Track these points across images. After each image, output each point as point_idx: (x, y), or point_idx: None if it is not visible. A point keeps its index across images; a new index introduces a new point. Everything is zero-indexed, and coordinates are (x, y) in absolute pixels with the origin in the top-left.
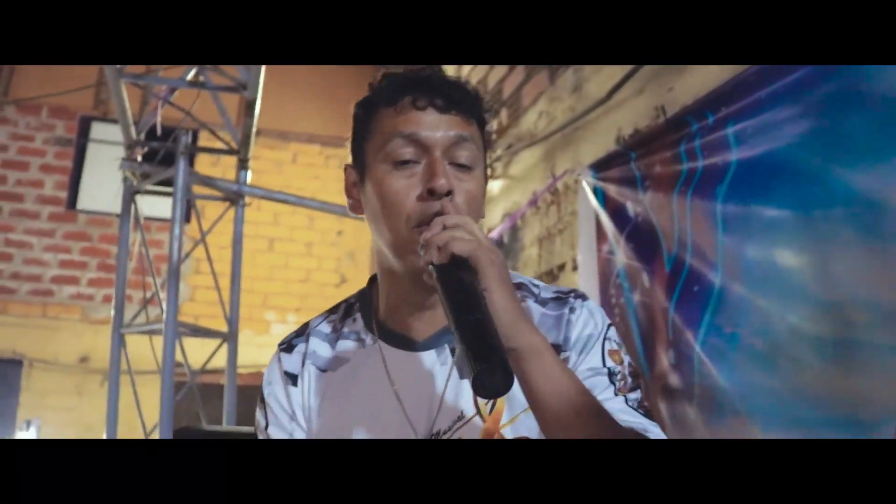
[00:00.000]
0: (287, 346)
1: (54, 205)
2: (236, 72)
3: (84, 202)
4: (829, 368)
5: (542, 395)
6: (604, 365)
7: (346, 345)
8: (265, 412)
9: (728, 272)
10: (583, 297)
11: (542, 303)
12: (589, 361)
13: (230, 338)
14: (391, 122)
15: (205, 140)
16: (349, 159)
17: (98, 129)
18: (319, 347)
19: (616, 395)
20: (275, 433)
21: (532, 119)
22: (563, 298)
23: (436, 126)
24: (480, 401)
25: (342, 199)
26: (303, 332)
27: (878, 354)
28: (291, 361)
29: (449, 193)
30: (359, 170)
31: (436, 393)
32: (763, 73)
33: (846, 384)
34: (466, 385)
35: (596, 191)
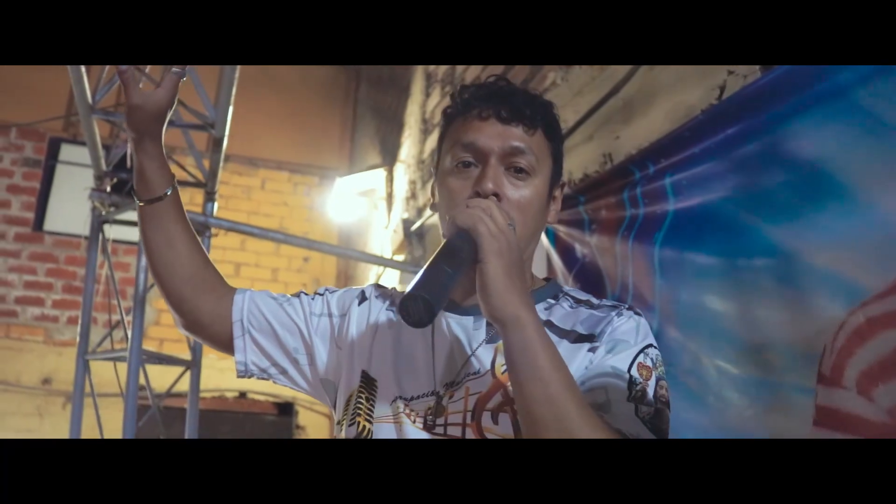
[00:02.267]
0: (376, 286)
1: (21, 225)
2: (205, 110)
3: (51, 223)
4: (751, 407)
5: (517, 367)
6: (629, 372)
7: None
8: (326, 291)
9: (664, 314)
10: (637, 312)
11: (596, 308)
12: (615, 361)
13: (193, 365)
14: (459, 131)
15: (174, 171)
16: (336, 182)
17: (67, 152)
18: (391, 298)
19: (628, 401)
20: (317, 300)
21: None
22: (617, 307)
23: (495, 135)
24: (497, 362)
25: (309, 227)
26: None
27: (792, 394)
28: (368, 291)
29: (496, 196)
30: (436, 170)
31: (464, 351)
32: (696, 130)
33: (766, 422)
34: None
35: (548, 231)
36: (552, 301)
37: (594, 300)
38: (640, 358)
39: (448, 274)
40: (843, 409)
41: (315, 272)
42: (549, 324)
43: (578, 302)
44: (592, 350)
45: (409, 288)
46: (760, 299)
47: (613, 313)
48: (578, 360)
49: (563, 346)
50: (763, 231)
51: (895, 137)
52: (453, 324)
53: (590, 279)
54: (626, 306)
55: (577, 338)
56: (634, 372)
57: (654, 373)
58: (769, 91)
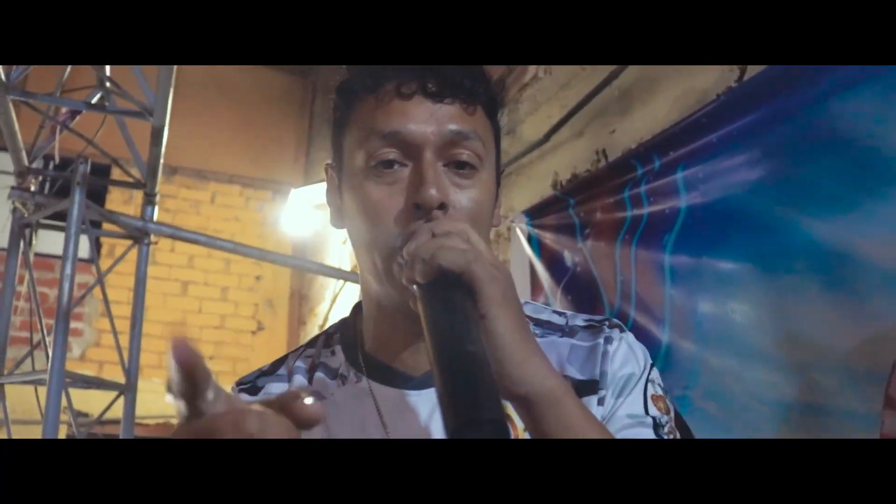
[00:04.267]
0: (250, 386)
1: None
2: (143, 96)
3: None
4: (792, 437)
5: None
6: (647, 412)
7: (324, 380)
8: None
9: (676, 328)
10: (619, 326)
11: (572, 333)
12: (629, 406)
13: (127, 390)
14: (370, 114)
15: (116, 176)
16: (291, 194)
17: None
18: (293, 384)
19: None
20: None
21: None
22: (596, 327)
23: (426, 119)
24: None
25: (262, 243)
26: (273, 370)
27: (848, 422)
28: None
29: (442, 207)
30: (337, 171)
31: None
32: (715, 115)
33: None
34: None
35: (531, 238)
36: None
37: (557, 319)
38: (650, 388)
39: (478, 354)
40: None
41: (267, 291)
42: None
43: (542, 325)
44: (601, 402)
45: (445, 407)
46: (803, 308)
47: (600, 340)
48: None
49: None
50: (804, 227)
51: None
52: (412, 404)
53: (583, 291)
54: (605, 322)
55: (576, 386)
56: (653, 410)
57: (667, 399)
58: (803, 68)
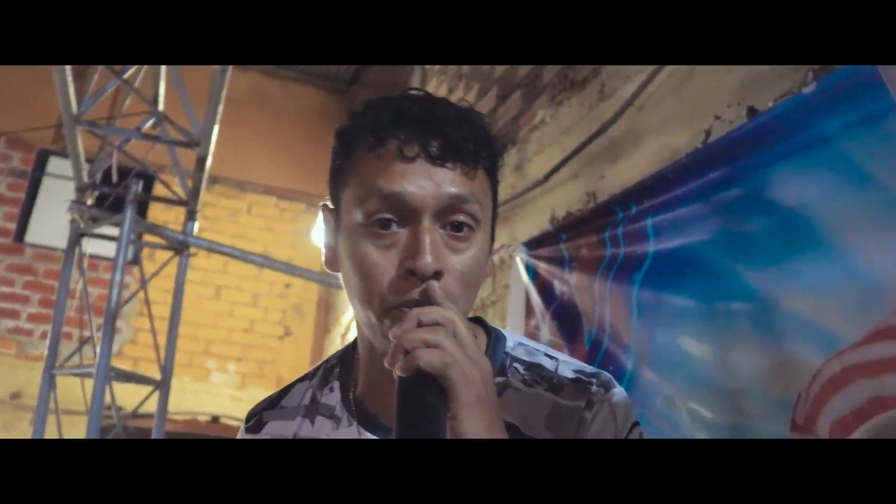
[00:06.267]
0: (255, 422)
1: (2, 236)
2: (190, 127)
3: (32, 236)
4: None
5: None
6: None
7: (322, 424)
8: None
9: (640, 356)
10: (607, 385)
11: (558, 389)
12: None
13: (162, 385)
14: (371, 172)
15: (160, 188)
16: (316, 205)
17: (55, 164)
18: (288, 428)
19: None
20: None
21: None
22: (583, 383)
23: (427, 184)
24: None
25: (293, 253)
26: (278, 401)
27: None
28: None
29: (437, 275)
30: (334, 216)
31: None
32: (679, 172)
33: None
34: None
35: (528, 267)
36: (501, 380)
37: (548, 364)
38: None
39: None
40: None
41: (296, 298)
42: (506, 426)
43: (533, 370)
44: None
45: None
46: (737, 344)
47: (581, 404)
48: None
49: None
50: (742, 275)
51: (877, 188)
52: None
53: (567, 317)
54: (594, 378)
55: None
56: None
57: None
58: (753, 136)
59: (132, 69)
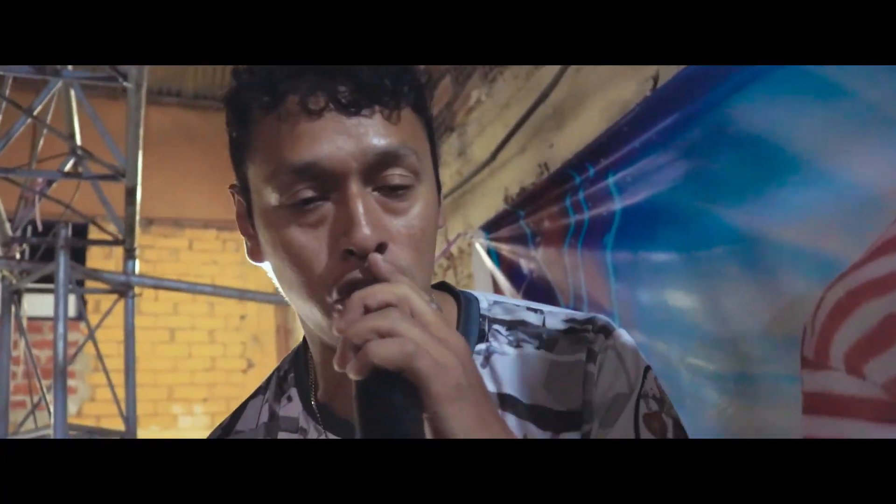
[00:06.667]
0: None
1: None
2: (114, 160)
3: None
4: (732, 404)
5: None
6: (637, 438)
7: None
8: None
9: (624, 320)
10: (605, 330)
11: (550, 345)
12: (618, 433)
13: (128, 436)
14: (274, 140)
15: (92, 233)
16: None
17: None
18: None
19: None
20: None
21: None
22: (577, 332)
23: (344, 140)
24: None
25: (242, 282)
26: (231, 426)
27: (774, 384)
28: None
29: (380, 248)
30: (244, 197)
31: None
32: (633, 123)
33: (751, 418)
34: None
35: (490, 251)
36: (483, 347)
37: (533, 319)
38: (642, 406)
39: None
40: (835, 392)
41: (253, 329)
42: (502, 401)
43: (517, 328)
44: (586, 436)
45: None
46: (727, 289)
47: (582, 356)
48: None
49: (532, 430)
50: (720, 216)
51: (851, 98)
52: None
53: (539, 294)
54: (589, 324)
55: (554, 419)
56: (645, 434)
57: (662, 413)
58: (704, 72)
59: (39, 107)
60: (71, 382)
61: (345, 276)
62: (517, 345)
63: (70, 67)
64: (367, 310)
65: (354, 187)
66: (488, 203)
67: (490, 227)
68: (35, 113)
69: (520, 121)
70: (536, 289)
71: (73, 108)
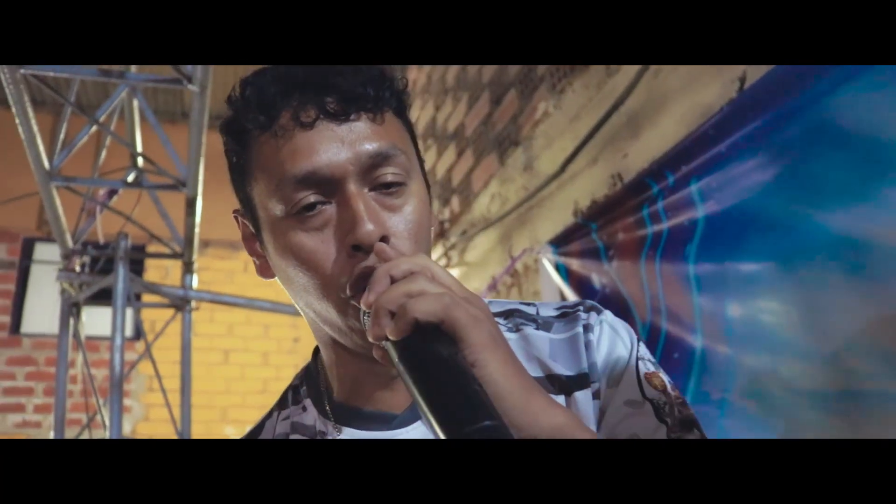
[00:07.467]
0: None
1: None
2: (177, 171)
3: (28, 325)
4: (837, 425)
5: None
6: (644, 396)
7: None
8: None
9: (708, 334)
10: (596, 308)
11: (547, 326)
12: (625, 393)
13: None
14: (274, 156)
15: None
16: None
17: (42, 250)
18: None
19: (668, 436)
20: None
21: (484, 203)
22: (570, 313)
23: (338, 147)
24: None
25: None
26: (255, 436)
27: (885, 402)
28: None
29: (383, 240)
30: (250, 219)
31: None
32: (721, 126)
33: (855, 437)
34: None
35: (558, 267)
36: None
37: (527, 309)
38: (642, 367)
39: (485, 396)
40: None
41: (306, 352)
42: None
43: (514, 316)
44: (596, 395)
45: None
46: (827, 298)
47: (579, 330)
48: (592, 416)
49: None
50: (819, 220)
51: None
52: None
53: (613, 310)
54: (579, 307)
55: (566, 383)
56: (650, 392)
57: (660, 372)
58: (798, 70)
59: (104, 115)
60: (125, 402)
61: (355, 271)
62: (516, 329)
63: (133, 69)
64: (393, 280)
65: (353, 189)
66: (556, 217)
67: (559, 242)
68: (101, 120)
69: (591, 131)
70: (609, 303)
71: (135, 118)
